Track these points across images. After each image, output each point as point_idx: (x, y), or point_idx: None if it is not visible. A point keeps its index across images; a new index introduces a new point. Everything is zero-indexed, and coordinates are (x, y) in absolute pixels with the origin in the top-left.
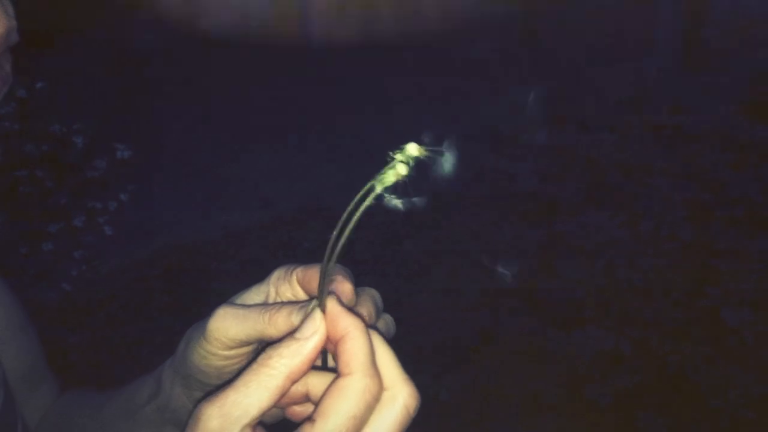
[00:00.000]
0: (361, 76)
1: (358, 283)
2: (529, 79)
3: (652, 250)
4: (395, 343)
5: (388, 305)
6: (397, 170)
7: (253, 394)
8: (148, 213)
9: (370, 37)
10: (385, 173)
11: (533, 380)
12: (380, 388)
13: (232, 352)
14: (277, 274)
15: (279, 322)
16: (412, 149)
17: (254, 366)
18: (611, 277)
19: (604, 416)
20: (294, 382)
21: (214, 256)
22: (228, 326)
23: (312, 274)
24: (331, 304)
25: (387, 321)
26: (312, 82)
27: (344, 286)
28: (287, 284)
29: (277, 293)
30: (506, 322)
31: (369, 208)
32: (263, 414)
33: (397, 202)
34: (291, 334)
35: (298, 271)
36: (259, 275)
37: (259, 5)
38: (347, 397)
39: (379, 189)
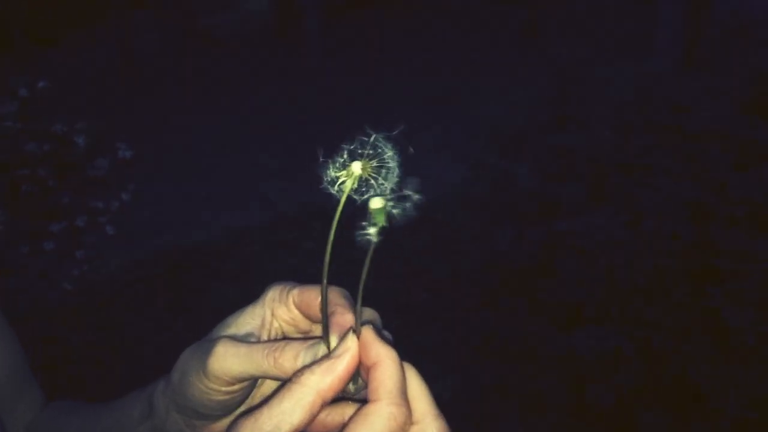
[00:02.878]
0: (363, 75)
1: (357, 285)
2: (530, 77)
3: (653, 250)
4: (395, 344)
5: (388, 305)
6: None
7: (285, 410)
8: (150, 213)
9: (371, 37)
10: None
11: (534, 380)
12: (407, 418)
13: (235, 387)
14: (271, 295)
15: (285, 365)
16: (375, 203)
17: (288, 383)
18: (612, 277)
19: (605, 416)
20: (325, 400)
21: (215, 255)
22: (230, 366)
23: (309, 297)
24: (366, 332)
25: (385, 338)
26: (313, 82)
27: (345, 318)
28: (284, 307)
29: (273, 315)
30: (507, 322)
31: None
32: (295, 431)
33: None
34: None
35: (295, 294)
36: (260, 275)
37: (259, 5)
38: (372, 423)
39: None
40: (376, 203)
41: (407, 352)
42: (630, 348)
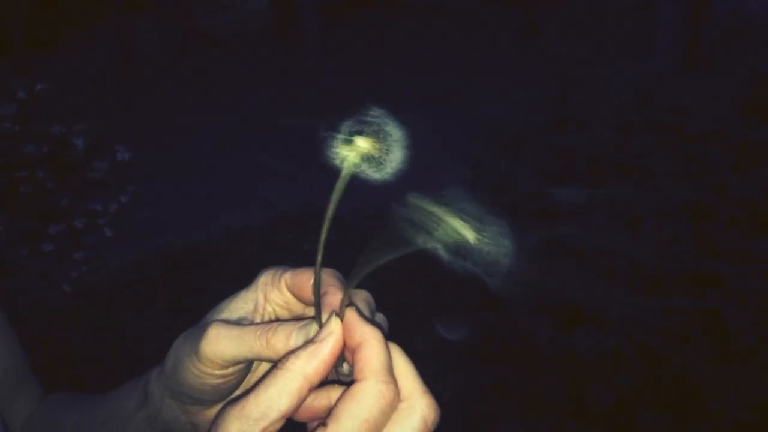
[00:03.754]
0: (363, 75)
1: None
2: (530, 79)
3: (653, 252)
4: (390, 330)
5: (387, 305)
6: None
7: (272, 397)
8: (150, 213)
9: (371, 37)
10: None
11: (534, 381)
12: (395, 395)
13: (228, 371)
14: (264, 279)
15: (277, 346)
16: (469, 236)
17: (273, 370)
18: (612, 278)
19: (605, 417)
20: (312, 385)
21: (215, 256)
22: (223, 348)
23: (302, 279)
24: (349, 313)
25: (380, 321)
26: (313, 82)
27: (338, 299)
28: (276, 290)
29: (266, 299)
30: (507, 323)
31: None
32: (283, 417)
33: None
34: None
35: (287, 277)
36: None
37: (259, 5)
38: (360, 401)
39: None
40: (468, 235)
41: (407, 352)
42: (630, 348)
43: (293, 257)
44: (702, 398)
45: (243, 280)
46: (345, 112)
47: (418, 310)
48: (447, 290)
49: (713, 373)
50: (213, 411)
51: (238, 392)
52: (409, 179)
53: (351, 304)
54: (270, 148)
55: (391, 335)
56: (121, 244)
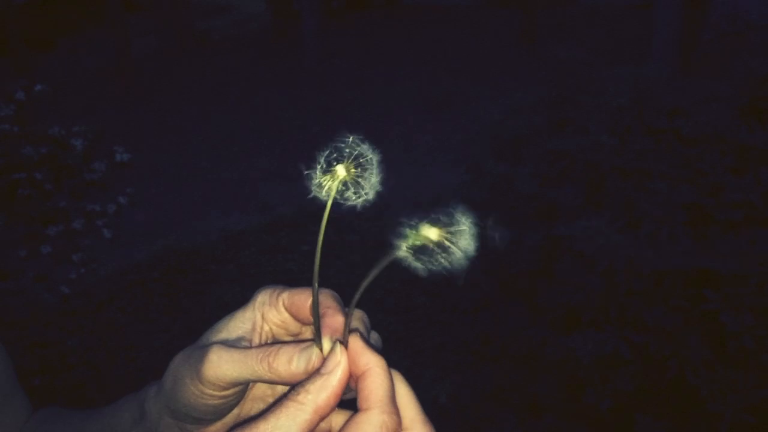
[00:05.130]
0: (361, 78)
1: (355, 287)
2: (529, 82)
3: (652, 254)
4: (394, 346)
5: (387, 309)
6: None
7: (282, 427)
8: (147, 215)
9: (370, 39)
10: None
11: (532, 383)
12: (398, 425)
13: (229, 392)
14: (261, 299)
15: (279, 369)
16: (429, 232)
17: (284, 400)
18: (610, 280)
19: (603, 420)
20: (322, 416)
21: (213, 258)
22: (224, 371)
23: (299, 300)
24: (353, 341)
25: (374, 339)
26: (310, 85)
27: (336, 320)
28: (274, 310)
29: (264, 319)
30: (505, 325)
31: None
32: None
33: (418, 266)
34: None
35: (285, 297)
36: (257, 278)
37: (257, 8)
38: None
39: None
40: (430, 233)
41: (406, 354)
42: (628, 351)
43: (291, 260)
44: (700, 401)
45: (241, 282)
46: (342, 113)
47: (417, 314)
48: (445, 295)
49: (712, 376)
50: (210, 429)
51: (236, 410)
52: (409, 180)
53: (355, 330)
54: (268, 150)
55: (393, 338)
56: (118, 246)
